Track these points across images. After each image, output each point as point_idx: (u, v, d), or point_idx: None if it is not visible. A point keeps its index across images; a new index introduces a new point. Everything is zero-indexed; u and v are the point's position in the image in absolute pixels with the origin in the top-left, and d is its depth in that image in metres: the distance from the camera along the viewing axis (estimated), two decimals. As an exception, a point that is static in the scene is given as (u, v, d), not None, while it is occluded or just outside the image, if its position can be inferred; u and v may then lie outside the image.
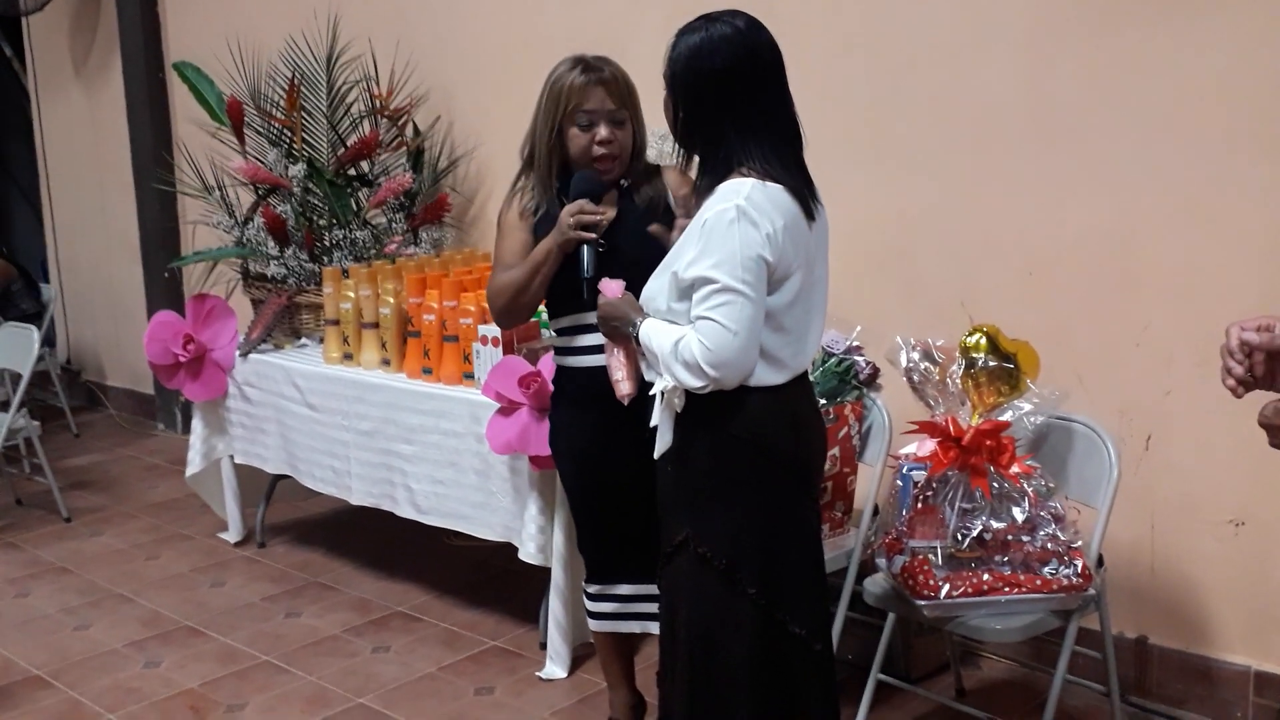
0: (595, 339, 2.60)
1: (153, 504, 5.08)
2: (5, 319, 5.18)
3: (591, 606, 2.89)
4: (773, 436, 2.22)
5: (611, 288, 2.40)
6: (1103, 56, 2.95)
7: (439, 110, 4.56)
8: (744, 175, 2.13)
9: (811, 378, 2.52)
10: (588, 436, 2.70)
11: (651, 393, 2.29)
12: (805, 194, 2.19)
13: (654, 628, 2.76)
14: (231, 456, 4.40)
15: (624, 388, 2.36)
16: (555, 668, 3.35)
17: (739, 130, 2.15)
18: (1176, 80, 2.85)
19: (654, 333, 2.21)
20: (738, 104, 2.15)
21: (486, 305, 2.81)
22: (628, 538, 2.74)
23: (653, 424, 2.29)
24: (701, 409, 2.20)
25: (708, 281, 2.10)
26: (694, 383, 2.13)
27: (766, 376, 2.19)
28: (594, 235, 2.52)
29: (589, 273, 2.51)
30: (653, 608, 2.73)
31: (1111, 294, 3.01)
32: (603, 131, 2.58)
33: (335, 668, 3.47)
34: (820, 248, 2.25)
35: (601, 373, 2.56)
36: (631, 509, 2.66)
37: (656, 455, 2.31)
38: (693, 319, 2.13)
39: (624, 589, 2.83)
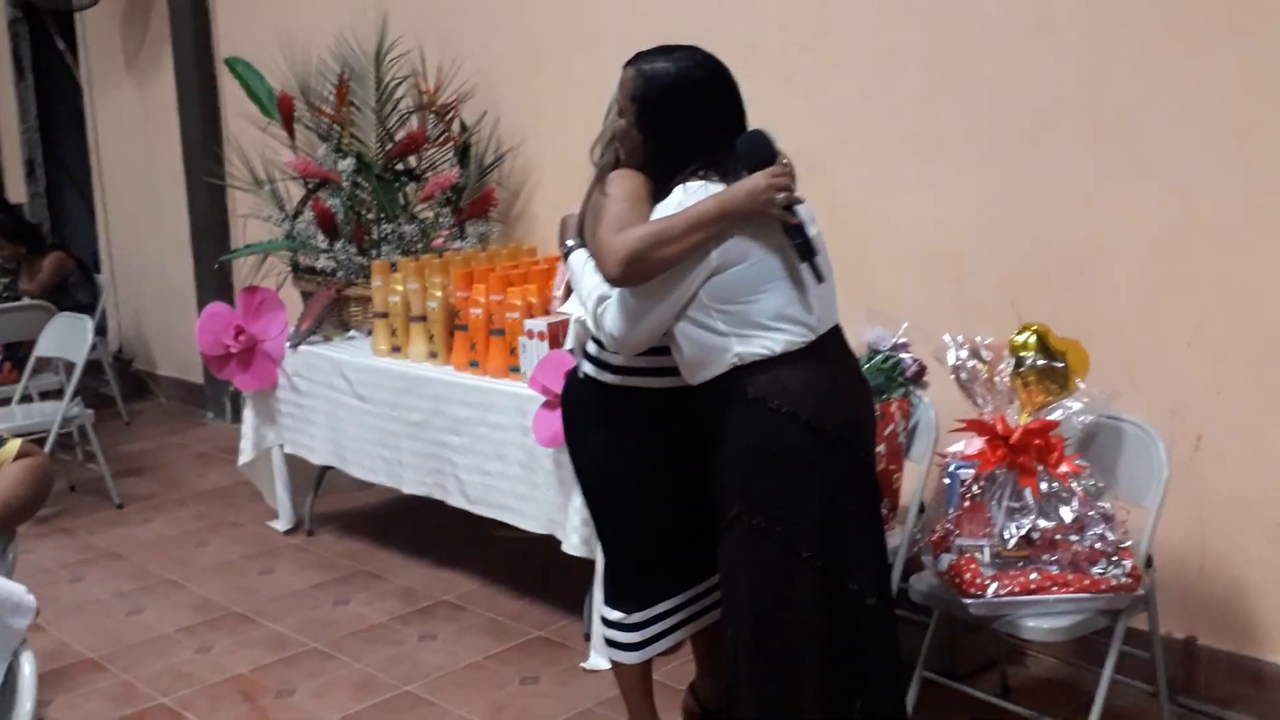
0: (666, 361, 2.47)
1: (203, 491, 5.17)
2: (61, 309, 5.27)
3: (631, 637, 2.69)
4: (800, 404, 2.28)
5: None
6: (1164, 46, 2.90)
7: (485, 106, 4.59)
8: (688, 180, 2.32)
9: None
10: (655, 459, 2.58)
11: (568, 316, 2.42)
12: None
13: (690, 630, 2.74)
14: (281, 446, 4.47)
15: (554, 304, 2.42)
16: (599, 659, 3.36)
17: (684, 146, 2.35)
18: (1242, 73, 2.79)
19: (581, 270, 2.43)
20: (691, 122, 2.36)
21: (601, 254, 2.31)
22: (674, 552, 2.66)
23: (567, 348, 2.39)
24: (732, 387, 2.30)
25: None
26: (600, 336, 2.39)
27: (776, 345, 2.28)
28: (798, 220, 2.28)
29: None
30: (694, 608, 2.72)
31: (1163, 292, 2.98)
32: None
33: (382, 655, 3.52)
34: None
35: (665, 395, 2.51)
36: (679, 523, 2.61)
37: (580, 376, 2.52)
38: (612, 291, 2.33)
39: (669, 603, 2.70)
